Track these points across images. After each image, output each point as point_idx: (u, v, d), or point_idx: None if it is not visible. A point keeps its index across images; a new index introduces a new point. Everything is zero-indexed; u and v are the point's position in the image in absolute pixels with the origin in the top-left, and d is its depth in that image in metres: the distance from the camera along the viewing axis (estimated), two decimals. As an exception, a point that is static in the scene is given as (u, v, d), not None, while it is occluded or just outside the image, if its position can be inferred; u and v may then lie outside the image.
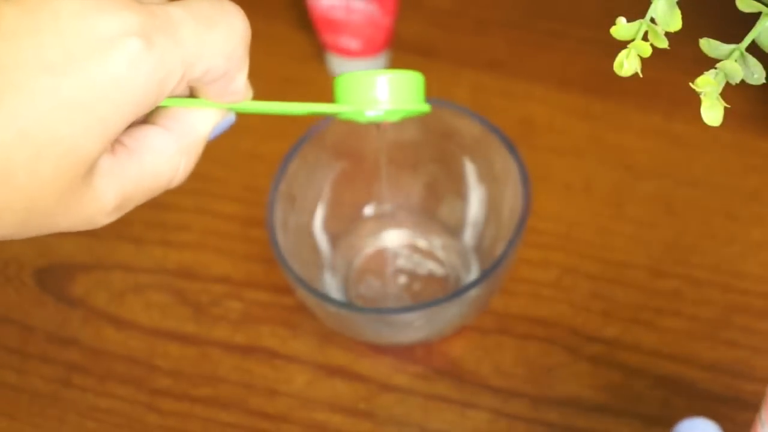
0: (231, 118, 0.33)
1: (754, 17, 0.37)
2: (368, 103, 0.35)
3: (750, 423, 0.48)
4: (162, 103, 0.31)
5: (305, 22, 0.65)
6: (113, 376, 0.51)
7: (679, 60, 0.60)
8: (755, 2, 0.36)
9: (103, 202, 0.28)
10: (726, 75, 0.36)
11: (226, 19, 0.29)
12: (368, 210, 0.54)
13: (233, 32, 0.29)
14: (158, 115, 0.31)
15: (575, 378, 0.49)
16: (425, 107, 0.37)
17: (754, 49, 0.38)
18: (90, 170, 0.27)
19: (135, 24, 0.26)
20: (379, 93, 0.35)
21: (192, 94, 0.31)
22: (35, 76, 0.25)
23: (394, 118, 0.38)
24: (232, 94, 0.31)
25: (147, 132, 0.30)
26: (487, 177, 0.51)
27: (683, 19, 0.36)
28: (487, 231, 0.52)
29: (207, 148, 0.66)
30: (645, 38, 0.37)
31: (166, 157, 0.30)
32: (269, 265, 0.54)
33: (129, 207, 0.30)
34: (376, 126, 0.47)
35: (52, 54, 0.25)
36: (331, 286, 0.52)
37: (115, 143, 0.29)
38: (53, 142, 0.25)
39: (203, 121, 0.31)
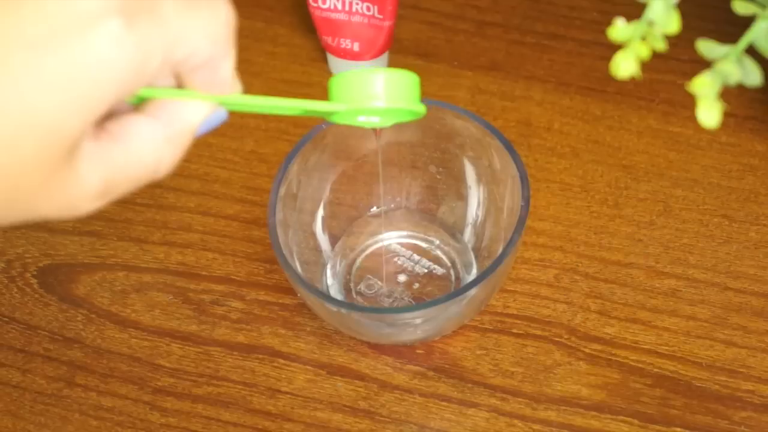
0: (222, 114, 0.32)
1: (752, 19, 0.37)
2: (363, 101, 0.34)
3: (747, 422, 0.48)
4: (149, 94, 0.30)
5: (306, 24, 0.65)
6: (116, 375, 0.52)
7: (677, 62, 0.61)
8: (751, 4, 0.36)
9: (86, 186, 0.28)
10: (722, 76, 0.36)
11: (209, 2, 0.29)
12: (369, 210, 0.55)
13: (217, 16, 0.29)
14: (146, 106, 0.30)
15: (573, 377, 0.50)
16: (420, 107, 0.36)
17: (751, 51, 0.38)
18: (72, 152, 0.27)
19: (116, 3, 0.25)
20: (374, 91, 0.34)
21: (180, 85, 0.31)
22: (16, 53, 0.24)
23: (389, 122, 0.37)
24: (219, 85, 0.31)
25: (133, 119, 0.30)
26: (487, 177, 0.51)
27: (681, 20, 0.36)
28: (486, 231, 0.52)
29: (209, 149, 0.66)
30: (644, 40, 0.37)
31: (152, 144, 0.30)
32: (270, 265, 0.55)
33: (114, 195, 0.29)
34: (374, 131, 0.47)
35: (33, 31, 0.25)
36: (332, 285, 0.53)
37: (100, 130, 0.29)
38: (33, 121, 0.25)
39: (191, 112, 0.31)
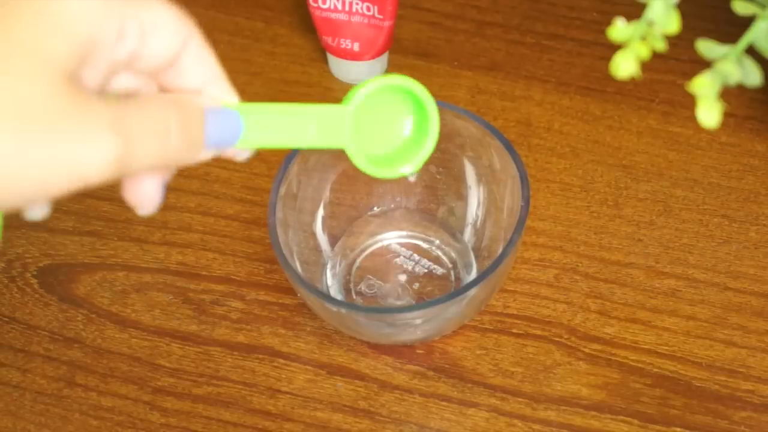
0: (235, 122, 0.34)
1: (752, 19, 0.37)
2: (361, 91, 0.37)
3: (746, 422, 0.48)
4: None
5: (306, 24, 0.66)
6: (116, 375, 0.52)
7: (677, 62, 0.61)
8: (751, 4, 0.36)
9: (96, 108, 0.28)
10: (722, 76, 0.36)
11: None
12: (369, 210, 0.55)
13: (168, 7, 0.31)
14: None
15: (573, 377, 0.50)
16: (418, 88, 0.38)
17: (751, 51, 0.38)
18: (75, 82, 0.28)
19: None
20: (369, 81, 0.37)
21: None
22: None
23: (412, 166, 0.39)
24: (212, 80, 0.33)
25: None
26: (487, 177, 0.51)
27: (681, 20, 0.37)
28: (486, 231, 0.52)
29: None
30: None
31: (158, 99, 0.31)
32: (270, 265, 0.55)
33: (133, 131, 0.29)
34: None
35: None
36: (332, 285, 0.53)
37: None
38: (21, 48, 0.27)
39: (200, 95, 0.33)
